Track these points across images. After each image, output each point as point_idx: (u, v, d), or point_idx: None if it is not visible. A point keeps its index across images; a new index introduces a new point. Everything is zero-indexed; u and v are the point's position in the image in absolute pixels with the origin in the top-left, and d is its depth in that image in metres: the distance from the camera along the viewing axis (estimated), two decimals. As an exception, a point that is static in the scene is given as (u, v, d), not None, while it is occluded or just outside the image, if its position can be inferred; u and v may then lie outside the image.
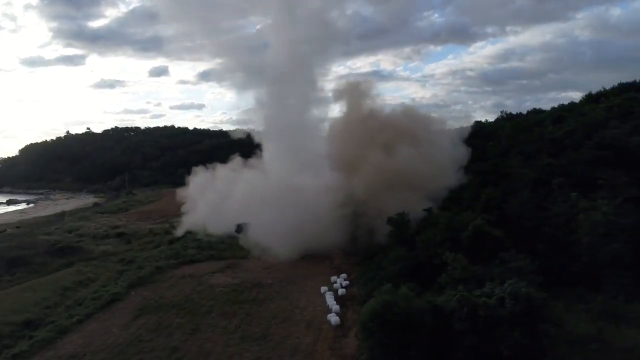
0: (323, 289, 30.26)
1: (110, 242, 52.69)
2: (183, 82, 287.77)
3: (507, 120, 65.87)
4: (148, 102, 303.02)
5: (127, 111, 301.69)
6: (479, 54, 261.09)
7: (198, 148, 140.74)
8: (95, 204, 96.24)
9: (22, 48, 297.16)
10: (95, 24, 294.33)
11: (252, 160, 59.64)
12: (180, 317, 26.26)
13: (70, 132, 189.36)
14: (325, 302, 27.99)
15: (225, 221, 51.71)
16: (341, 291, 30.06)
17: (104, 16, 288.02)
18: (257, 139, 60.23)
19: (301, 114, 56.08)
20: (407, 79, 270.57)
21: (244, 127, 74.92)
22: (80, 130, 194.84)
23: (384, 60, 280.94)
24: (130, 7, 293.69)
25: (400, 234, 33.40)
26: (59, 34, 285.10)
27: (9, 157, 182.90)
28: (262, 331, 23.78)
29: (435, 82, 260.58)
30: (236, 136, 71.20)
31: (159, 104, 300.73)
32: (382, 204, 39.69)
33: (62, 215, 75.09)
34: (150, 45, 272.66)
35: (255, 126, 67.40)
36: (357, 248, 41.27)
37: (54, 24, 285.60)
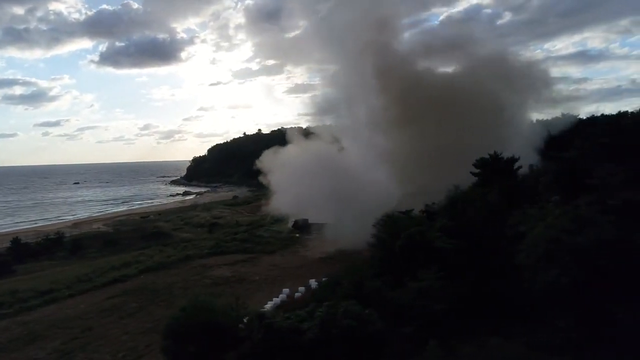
0: (284, 291, 28.94)
1: (196, 231, 59.51)
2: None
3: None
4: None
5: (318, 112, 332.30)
6: None
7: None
8: (235, 197, 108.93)
9: (234, 63, 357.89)
10: (290, 35, 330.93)
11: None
12: (138, 302, 28.66)
13: (246, 133, 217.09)
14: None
15: (296, 211, 54.75)
16: (297, 295, 28.23)
17: (298, 27, 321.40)
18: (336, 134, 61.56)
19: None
20: (625, 56, 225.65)
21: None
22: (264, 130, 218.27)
23: (592, 38, 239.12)
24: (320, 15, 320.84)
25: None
26: (260, 48, 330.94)
27: (201, 156, 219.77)
28: (174, 324, 24.27)
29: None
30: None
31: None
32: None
33: (194, 206, 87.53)
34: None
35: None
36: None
37: (256, 40, 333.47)
